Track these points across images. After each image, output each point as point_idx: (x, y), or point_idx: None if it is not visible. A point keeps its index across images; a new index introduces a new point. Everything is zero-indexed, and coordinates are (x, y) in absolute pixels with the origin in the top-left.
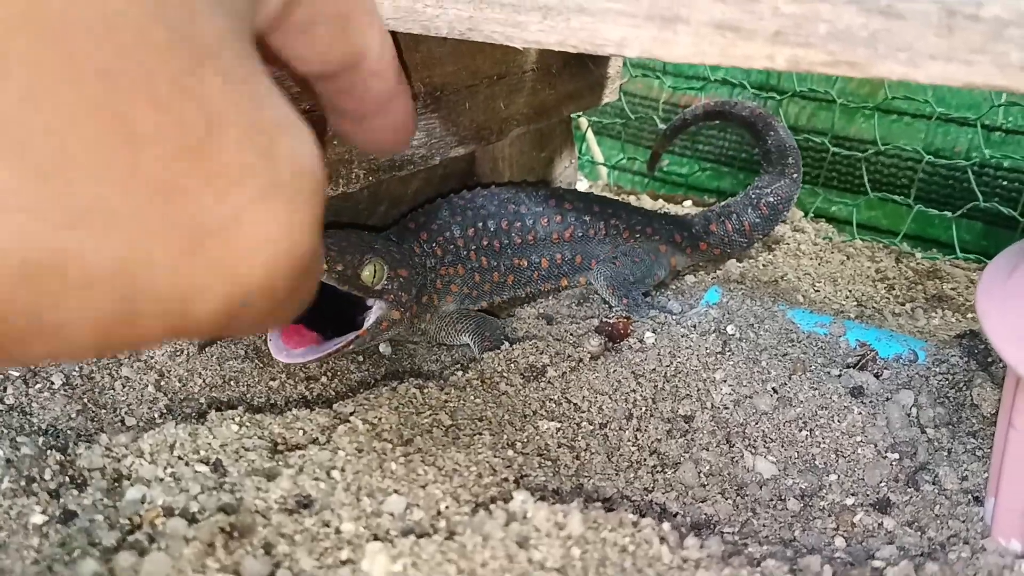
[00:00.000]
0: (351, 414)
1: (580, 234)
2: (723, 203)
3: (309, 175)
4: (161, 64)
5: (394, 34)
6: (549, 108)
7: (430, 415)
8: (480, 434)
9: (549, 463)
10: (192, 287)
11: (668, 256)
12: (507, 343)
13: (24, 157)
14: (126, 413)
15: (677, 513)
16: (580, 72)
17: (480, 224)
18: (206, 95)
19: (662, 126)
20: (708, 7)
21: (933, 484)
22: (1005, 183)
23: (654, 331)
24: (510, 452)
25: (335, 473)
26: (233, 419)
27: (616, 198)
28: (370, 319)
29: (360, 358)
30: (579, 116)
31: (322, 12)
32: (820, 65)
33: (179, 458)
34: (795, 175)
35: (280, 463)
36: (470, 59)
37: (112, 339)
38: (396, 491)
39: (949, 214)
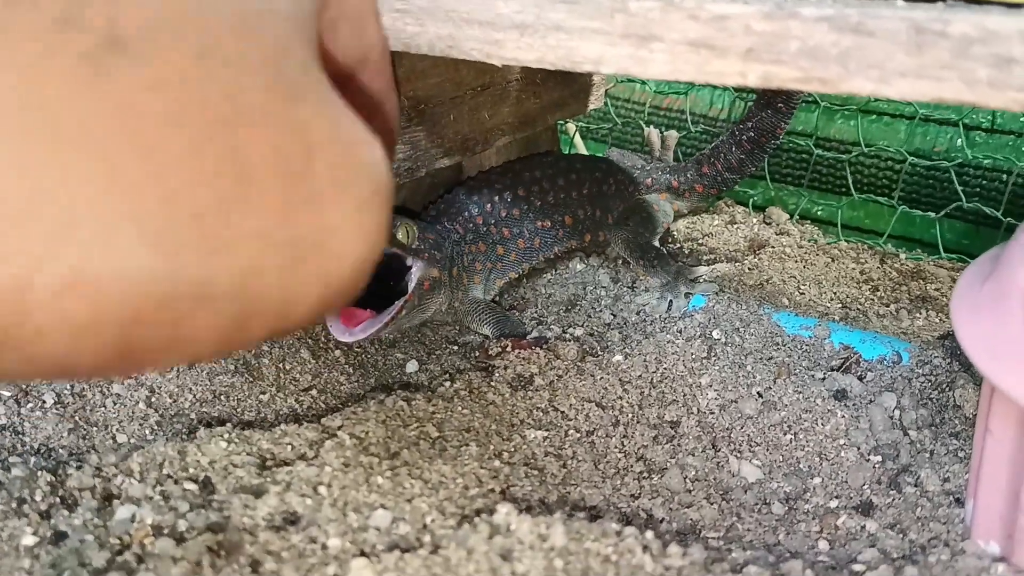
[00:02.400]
0: (339, 428)
1: (595, 190)
2: (712, 145)
3: (385, 184)
4: (266, 100)
5: None
6: (534, 117)
7: (417, 427)
8: (467, 445)
9: (536, 472)
10: (296, 295)
11: (669, 203)
12: (534, 339)
13: (166, 200)
14: (117, 430)
15: (663, 519)
16: (565, 80)
17: (496, 198)
18: (303, 122)
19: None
20: (682, 25)
21: (915, 486)
22: (986, 183)
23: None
24: (496, 463)
25: (322, 489)
26: (222, 436)
27: (619, 154)
28: (412, 280)
29: (350, 370)
30: (566, 122)
31: (345, 10)
32: (792, 82)
33: (168, 476)
34: (779, 105)
35: (268, 479)
36: (454, 71)
37: (229, 344)
38: (382, 505)
39: (933, 215)
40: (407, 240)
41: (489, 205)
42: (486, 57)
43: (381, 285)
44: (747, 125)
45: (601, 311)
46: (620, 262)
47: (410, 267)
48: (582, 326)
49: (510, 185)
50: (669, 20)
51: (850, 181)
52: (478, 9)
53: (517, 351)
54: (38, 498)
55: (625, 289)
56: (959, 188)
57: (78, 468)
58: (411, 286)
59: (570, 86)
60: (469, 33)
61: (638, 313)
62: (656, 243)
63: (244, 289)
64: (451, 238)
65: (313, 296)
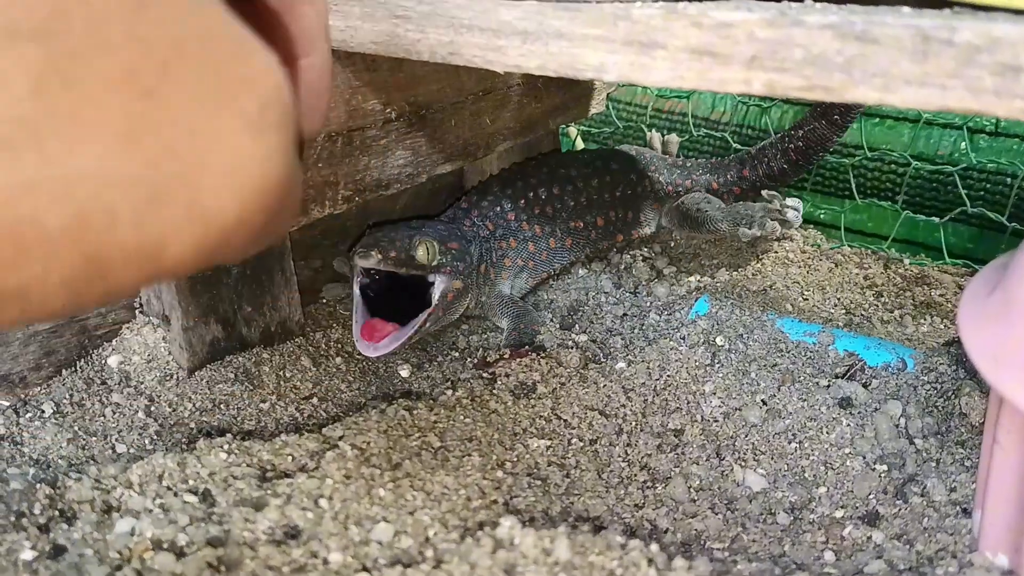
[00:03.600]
0: (340, 438)
1: (628, 191)
2: (758, 146)
3: (281, 103)
4: (103, 10)
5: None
6: (536, 122)
7: (419, 437)
8: (469, 455)
9: (539, 482)
10: (162, 235)
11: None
12: (532, 346)
13: None
14: (116, 440)
15: (667, 529)
16: (566, 85)
17: (531, 194)
18: (155, 35)
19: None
20: (684, 32)
21: (921, 496)
22: (991, 186)
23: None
24: (499, 473)
25: (323, 502)
26: (222, 447)
27: (653, 154)
28: (435, 294)
29: (351, 377)
30: (568, 125)
31: None
32: (796, 90)
33: (168, 488)
34: (835, 117)
35: (268, 492)
36: (454, 76)
37: (85, 296)
38: (384, 518)
39: (937, 220)
40: (427, 258)
41: (523, 200)
42: (488, 64)
43: (404, 297)
44: (798, 134)
45: (603, 316)
46: (623, 267)
47: (432, 282)
48: (585, 332)
49: (546, 182)
50: (672, 27)
51: (853, 185)
52: (480, 16)
53: (516, 359)
54: (37, 511)
55: (628, 294)
56: (963, 193)
57: (77, 480)
58: (435, 299)
59: (572, 90)
60: (471, 40)
61: (641, 318)
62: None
63: (85, 233)
64: (480, 235)
65: (188, 238)
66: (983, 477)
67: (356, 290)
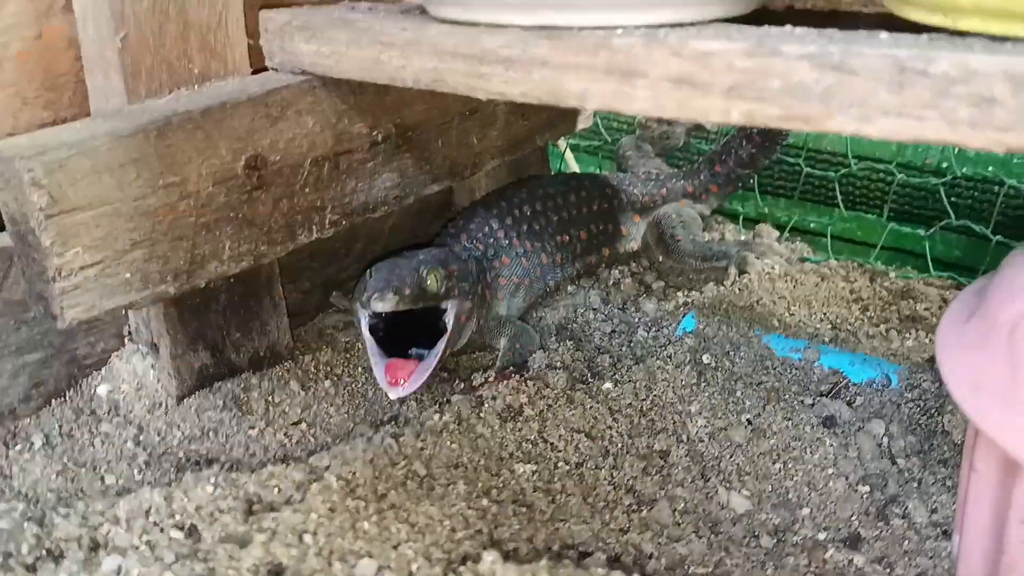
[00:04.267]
0: (327, 468)
1: (606, 205)
2: (722, 143)
3: None
4: None
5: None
6: (523, 139)
7: (405, 466)
8: (454, 483)
9: (524, 509)
10: None
11: (690, 208)
12: (517, 368)
13: None
14: (105, 471)
15: (652, 555)
16: None
17: (516, 212)
18: None
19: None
20: (664, 62)
21: (903, 518)
22: (977, 194)
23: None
24: (484, 501)
25: (307, 537)
26: (209, 479)
27: (624, 174)
28: (449, 319)
29: (339, 401)
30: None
31: None
32: (775, 119)
33: (155, 523)
34: None
35: (254, 527)
36: (440, 98)
37: None
38: (368, 553)
39: (922, 231)
40: (437, 287)
41: (510, 218)
42: (471, 91)
43: (414, 328)
44: None
45: (592, 334)
46: (611, 283)
47: (444, 309)
48: (573, 351)
49: (527, 200)
50: (652, 56)
51: (839, 196)
52: (463, 43)
53: (502, 382)
54: (24, 551)
55: (616, 310)
56: (948, 206)
57: (64, 517)
58: (449, 325)
59: (559, 107)
60: (454, 67)
61: (630, 335)
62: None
63: None
64: (473, 256)
65: None
66: (961, 502)
67: (366, 332)
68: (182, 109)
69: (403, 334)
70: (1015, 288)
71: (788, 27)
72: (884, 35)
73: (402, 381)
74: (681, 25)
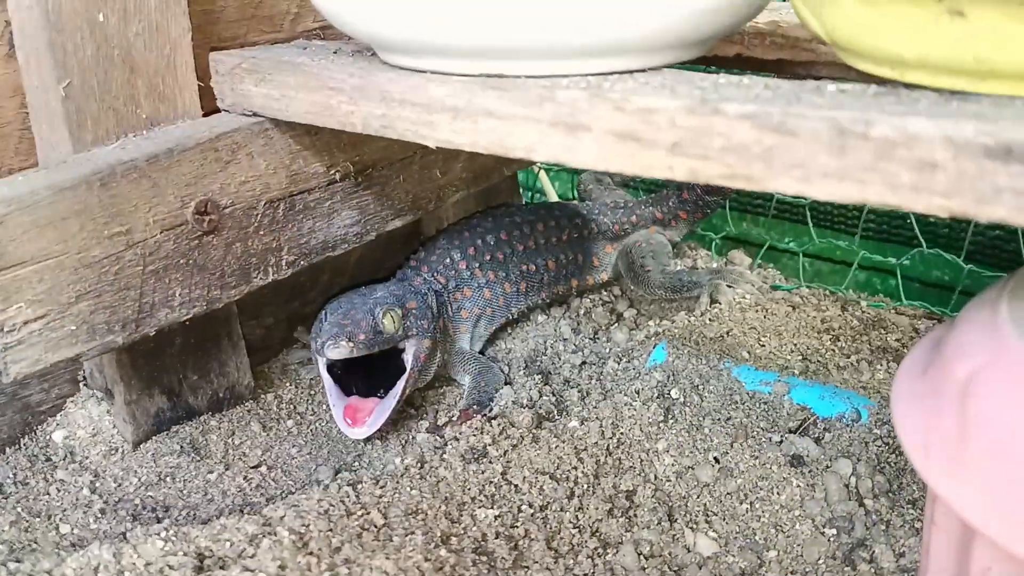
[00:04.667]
0: (282, 518)
1: (576, 235)
2: None
3: None
4: None
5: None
6: (490, 169)
7: (362, 515)
8: (412, 533)
9: (484, 558)
10: None
11: (660, 234)
12: (488, 406)
13: None
14: (60, 520)
15: None
16: None
17: (479, 242)
18: None
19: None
20: (608, 116)
21: (870, 562)
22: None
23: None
24: (443, 551)
25: None
26: (159, 534)
27: (592, 203)
28: (408, 359)
29: (302, 441)
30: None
31: None
32: (719, 178)
33: None
34: None
35: None
36: None
37: None
38: None
39: (893, 260)
40: (395, 327)
41: (472, 249)
42: (420, 138)
43: (375, 365)
44: None
45: (561, 366)
46: (582, 312)
47: (403, 348)
48: (540, 385)
49: (492, 229)
50: (596, 110)
51: (809, 220)
52: (410, 91)
53: (465, 422)
54: None
55: (587, 340)
56: (920, 232)
57: (13, 574)
58: (408, 364)
59: None
60: (403, 114)
61: (600, 366)
62: (672, 268)
63: None
64: (433, 290)
65: None
66: (925, 550)
67: (324, 372)
68: (127, 158)
69: (363, 371)
70: (968, 344)
71: (736, 78)
72: (831, 88)
73: (364, 420)
74: (631, 72)
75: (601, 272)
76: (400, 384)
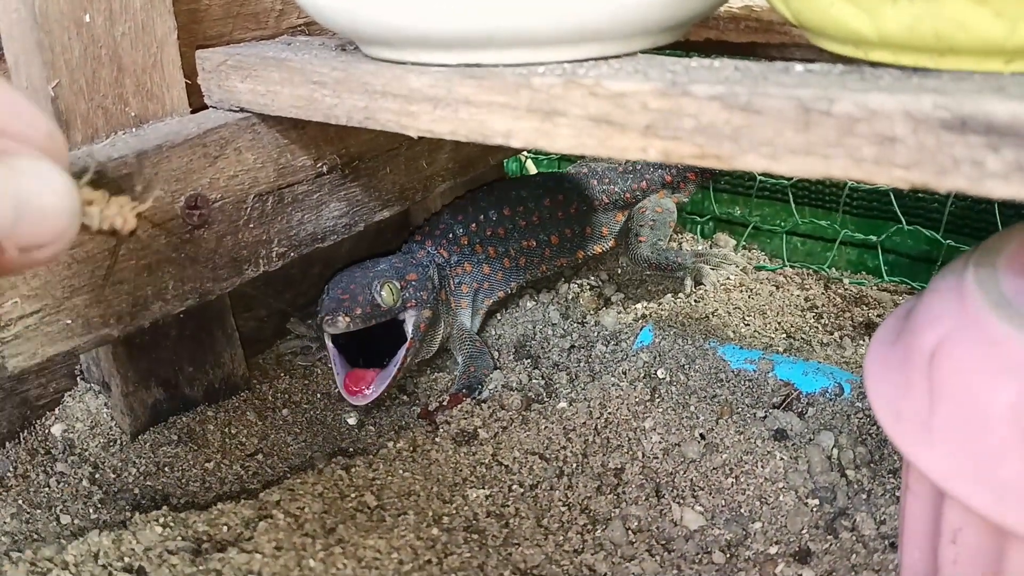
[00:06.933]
0: (277, 503)
1: (584, 207)
2: None
3: None
4: None
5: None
6: (475, 159)
7: (356, 497)
8: (405, 513)
9: (475, 536)
10: None
11: (669, 199)
12: (477, 390)
13: None
14: (61, 511)
15: (605, 574)
16: None
17: (481, 217)
18: None
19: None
20: (583, 101)
21: (851, 531)
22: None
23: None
24: (435, 530)
25: None
26: (158, 520)
27: (603, 167)
28: (408, 328)
29: (297, 429)
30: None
31: None
32: (690, 157)
33: (104, 567)
34: None
35: (201, 568)
36: None
37: None
38: None
39: (874, 238)
40: (393, 299)
41: (474, 224)
42: (402, 129)
43: (379, 335)
44: None
45: (551, 350)
46: (571, 297)
47: (403, 320)
48: (530, 369)
49: (496, 204)
50: (570, 96)
51: (792, 202)
52: (391, 83)
53: (454, 405)
54: None
55: (575, 324)
56: (898, 208)
57: (14, 565)
58: (409, 333)
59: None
60: (384, 105)
61: (588, 349)
62: (666, 244)
63: None
64: (435, 263)
65: None
66: (902, 517)
67: (329, 343)
68: (116, 155)
69: (369, 344)
70: (935, 314)
71: (708, 61)
72: (799, 68)
73: (365, 390)
74: (606, 58)
75: (609, 240)
76: (401, 353)
